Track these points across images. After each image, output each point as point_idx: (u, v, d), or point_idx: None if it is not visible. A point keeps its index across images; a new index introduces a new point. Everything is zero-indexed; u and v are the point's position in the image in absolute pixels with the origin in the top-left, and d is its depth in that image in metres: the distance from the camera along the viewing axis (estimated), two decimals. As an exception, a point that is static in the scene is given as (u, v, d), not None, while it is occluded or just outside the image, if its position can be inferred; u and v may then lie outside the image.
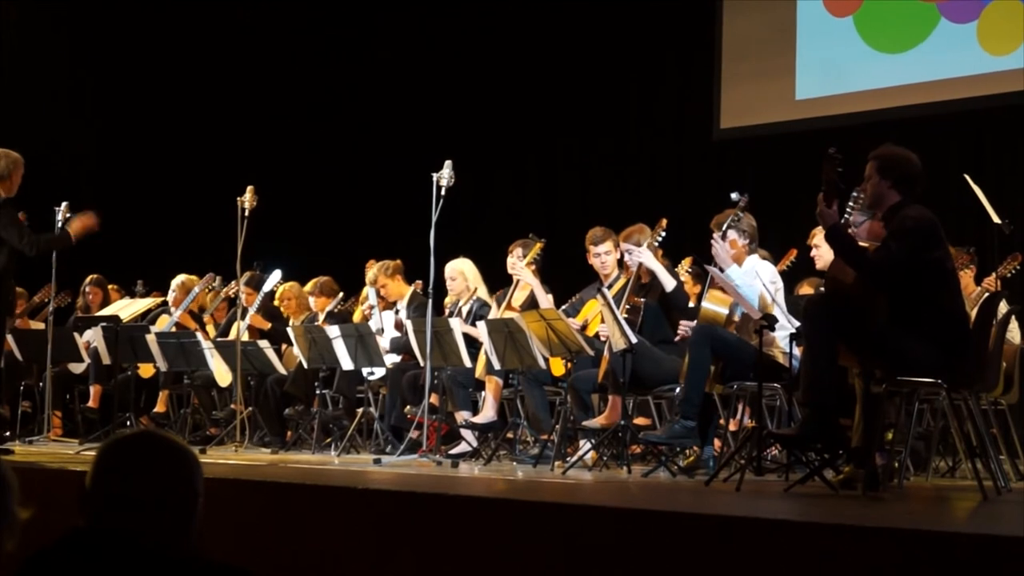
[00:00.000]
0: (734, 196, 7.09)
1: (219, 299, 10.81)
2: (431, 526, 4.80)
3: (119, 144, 13.80)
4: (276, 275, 10.15)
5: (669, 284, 7.42)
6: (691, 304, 7.76)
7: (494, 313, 8.58)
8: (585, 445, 7.53)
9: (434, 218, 7.91)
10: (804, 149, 10.23)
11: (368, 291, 9.70)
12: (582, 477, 6.74)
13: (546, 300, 8.41)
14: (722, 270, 6.88)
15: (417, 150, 11.78)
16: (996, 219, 7.61)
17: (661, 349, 7.33)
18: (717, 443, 7.48)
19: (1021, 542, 3.46)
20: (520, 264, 8.50)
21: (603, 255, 8.04)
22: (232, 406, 9.36)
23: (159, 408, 10.57)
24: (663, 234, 7.55)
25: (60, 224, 9.15)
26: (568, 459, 7.38)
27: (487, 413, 8.33)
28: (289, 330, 9.32)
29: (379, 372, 9.18)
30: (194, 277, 10.67)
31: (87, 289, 11.26)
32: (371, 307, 9.60)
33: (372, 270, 9.66)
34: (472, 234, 11.00)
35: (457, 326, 8.16)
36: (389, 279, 9.53)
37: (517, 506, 4.86)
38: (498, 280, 9.07)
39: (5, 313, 8.09)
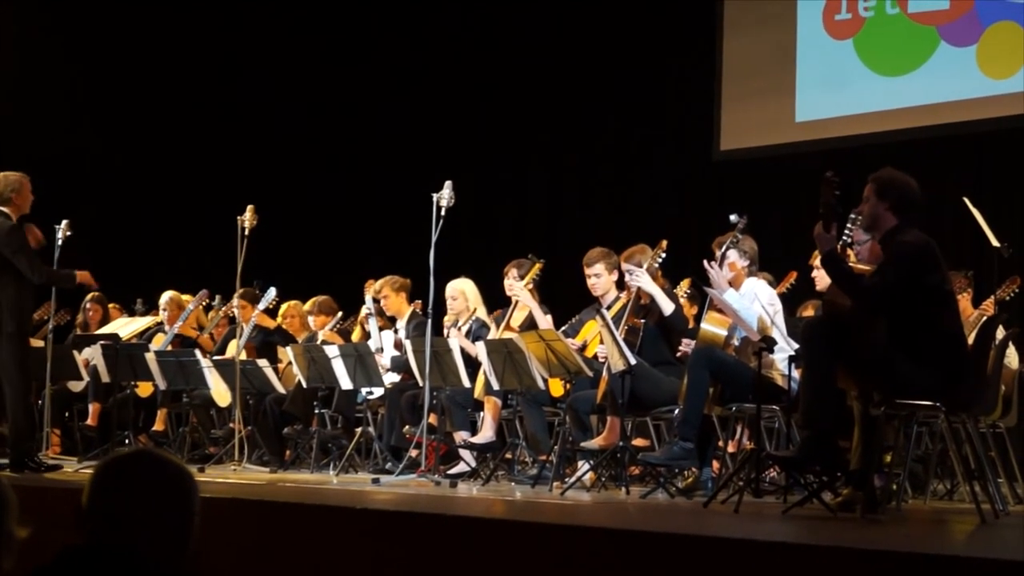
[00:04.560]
0: (733, 218, 7.10)
1: (218, 317, 10.82)
2: (429, 546, 4.80)
3: (119, 162, 13.80)
4: (271, 292, 10.16)
5: (667, 308, 7.41)
6: (690, 326, 7.77)
7: (493, 334, 8.58)
8: (583, 466, 7.52)
9: (434, 238, 7.92)
10: (804, 171, 10.25)
11: (367, 299, 9.70)
12: (580, 498, 6.74)
13: (544, 321, 8.41)
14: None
15: (417, 170, 11.80)
16: (995, 242, 7.62)
17: (660, 370, 7.33)
18: (716, 465, 7.47)
19: (1019, 566, 3.46)
20: (518, 285, 8.51)
21: (594, 276, 8.05)
22: (231, 425, 9.36)
23: (158, 426, 10.57)
24: (663, 255, 7.55)
25: (59, 243, 9.21)
26: (566, 480, 7.37)
27: (486, 433, 8.32)
28: (288, 349, 9.31)
29: (378, 391, 9.18)
30: (187, 296, 10.69)
31: (87, 307, 11.27)
32: (368, 314, 9.60)
33: (378, 283, 9.65)
34: (472, 254, 11.01)
35: (456, 341, 8.18)
36: (393, 292, 9.53)
37: (515, 527, 4.86)
38: (498, 300, 9.08)
39: (25, 335, 8.15)
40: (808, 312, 8.37)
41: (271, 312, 10.30)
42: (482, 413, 8.47)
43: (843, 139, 10.80)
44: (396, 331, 9.57)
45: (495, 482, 7.94)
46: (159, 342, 10.31)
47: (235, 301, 9.61)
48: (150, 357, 9.35)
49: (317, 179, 13.99)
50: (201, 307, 10.81)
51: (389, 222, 12.91)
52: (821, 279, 7.25)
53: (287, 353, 9.40)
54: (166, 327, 10.55)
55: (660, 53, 12.19)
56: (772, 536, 4.56)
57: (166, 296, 10.70)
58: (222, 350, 10.31)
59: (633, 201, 12.30)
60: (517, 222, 13.11)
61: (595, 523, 5.17)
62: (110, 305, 11.50)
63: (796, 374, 6.26)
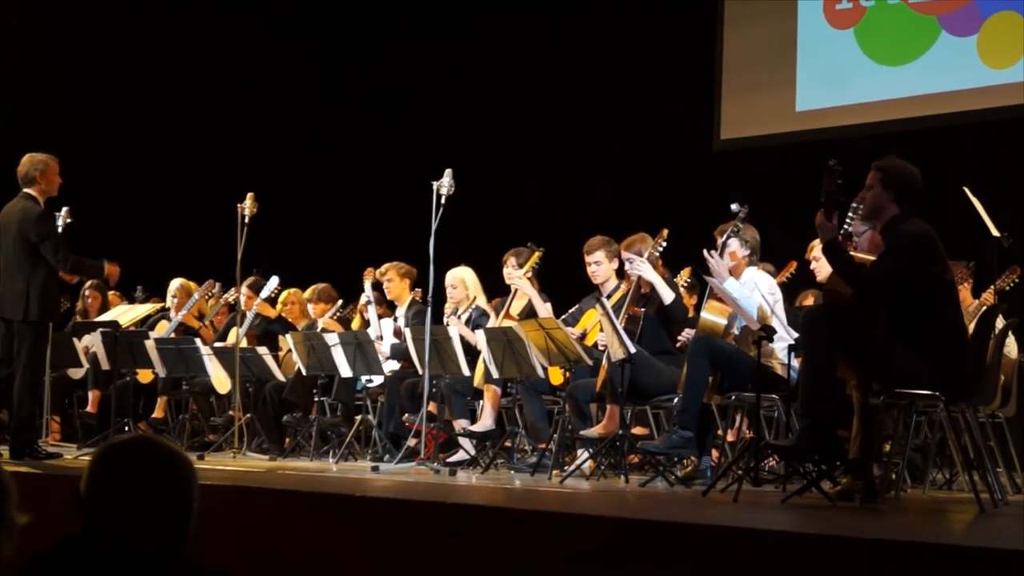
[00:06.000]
0: (734, 207, 7.10)
1: (219, 305, 10.82)
2: (428, 534, 4.80)
3: (119, 150, 13.80)
4: (273, 281, 10.16)
5: (668, 297, 7.41)
6: (690, 316, 7.77)
7: (492, 322, 8.58)
8: (583, 454, 7.53)
9: (434, 226, 7.92)
10: (804, 161, 10.24)
11: (367, 287, 9.69)
12: (580, 486, 6.74)
13: (544, 310, 8.41)
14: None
15: (418, 158, 11.79)
16: (995, 232, 7.61)
17: (660, 359, 7.33)
18: (715, 453, 7.48)
19: (1018, 555, 3.46)
20: (517, 273, 8.50)
21: (594, 264, 8.05)
22: (230, 412, 9.36)
23: (157, 414, 10.58)
24: (664, 244, 7.55)
25: (60, 230, 9.19)
26: (566, 468, 7.37)
27: (485, 422, 8.33)
28: (288, 337, 9.32)
29: (377, 379, 9.18)
30: (193, 284, 10.71)
31: (86, 293, 11.27)
32: (368, 302, 9.60)
33: (384, 266, 9.65)
34: (472, 243, 11.01)
35: (455, 329, 8.18)
36: (398, 277, 9.52)
37: (514, 515, 4.87)
38: (498, 289, 9.08)
39: (49, 319, 8.16)
40: (807, 301, 8.37)
41: (271, 301, 10.31)
42: (481, 401, 8.48)
43: (843, 129, 10.79)
44: (396, 319, 9.57)
45: (494, 470, 7.94)
46: (162, 329, 10.32)
47: (242, 290, 9.61)
48: (150, 344, 9.35)
49: (317, 167, 13.98)
50: (205, 297, 10.79)
51: (389, 210, 12.90)
52: (821, 269, 7.25)
53: (287, 341, 9.41)
54: (172, 314, 10.56)
55: (661, 42, 12.17)
56: (771, 525, 4.56)
57: (176, 283, 10.70)
58: (223, 338, 10.31)
59: (634, 190, 12.29)
60: (517, 210, 13.10)
61: (594, 511, 5.17)
62: (109, 292, 11.50)
63: (796, 363, 6.26)
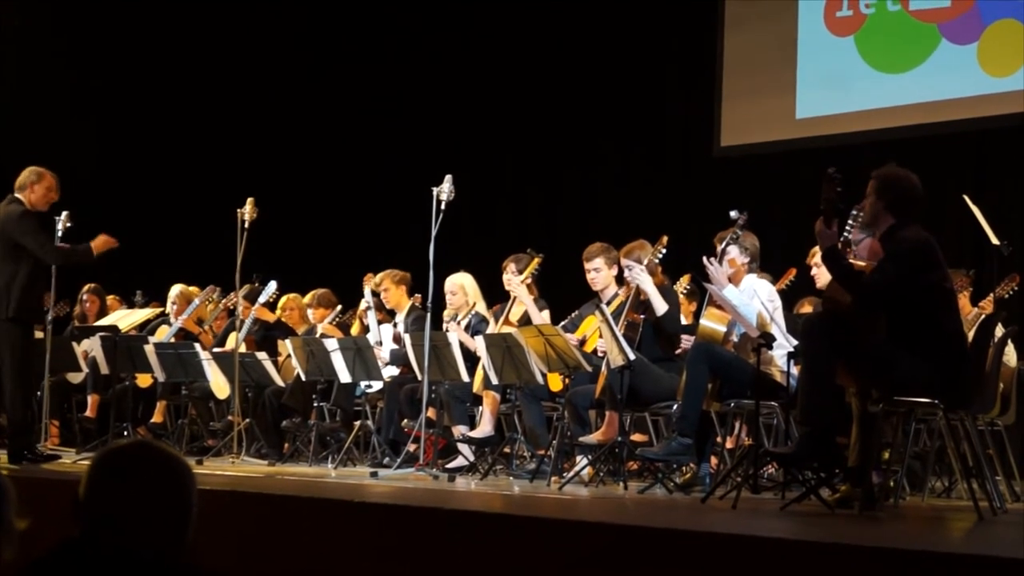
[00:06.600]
0: (733, 214, 7.09)
1: (218, 310, 10.81)
2: (427, 540, 4.80)
3: (119, 155, 13.81)
4: (272, 286, 10.17)
5: (660, 309, 7.40)
6: (686, 322, 7.77)
7: (492, 328, 8.58)
8: (582, 461, 7.53)
9: (434, 232, 7.92)
10: (804, 167, 10.24)
11: (366, 293, 9.69)
12: (578, 493, 6.74)
13: (539, 318, 8.40)
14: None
15: (418, 164, 11.80)
16: (995, 240, 7.62)
17: (659, 366, 7.33)
18: (714, 460, 7.47)
19: (1016, 563, 3.46)
20: (516, 280, 8.50)
21: (593, 271, 8.05)
22: (229, 417, 9.36)
23: (156, 418, 10.56)
24: (664, 251, 7.55)
25: (59, 234, 9.18)
26: (565, 475, 7.37)
27: (484, 428, 8.33)
28: (287, 342, 9.32)
29: (377, 385, 9.18)
30: (193, 288, 10.70)
31: (84, 297, 11.27)
32: (367, 308, 9.60)
33: (378, 276, 9.66)
34: (472, 249, 11.01)
35: (455, 335, 8.18)
36: (394, 285, 9.53)
37: (513, 521, 4.86)
38: (497, 295, 9.08)
39: (29, 317, 8.13)
40: (806, 308, 8.37)
41: (271, 305, 10.30)
42: (481, 407, 8.48)
43: (843, 136, 10.80)
44: (395, 325, 9.57)
45: (493, 476, 7.94)
46: (162, 334, 10.31)
47: (239, 300, 9.61)
48: (149, 349, 9.35)
49: (317, 172, 13.98)
50: (205, 302, 10.78)
51: (389, 216, 12.91)
52: (821, 276, 7.25)
53: (286, 346, 9.41)
54: (172, 319, 10.56)
55: (661, 48, 12.18)
56: (770, 532, 4.57)
57: (176, 289, 10.68)
58: (222, 343, 10.31)
59: (634, 196, 12.29)
60: (517, 216, 13.10)
61: (593, 518, 5.17)
62: (109, 297, 11.50)
63: (795, 370, 6.26)
